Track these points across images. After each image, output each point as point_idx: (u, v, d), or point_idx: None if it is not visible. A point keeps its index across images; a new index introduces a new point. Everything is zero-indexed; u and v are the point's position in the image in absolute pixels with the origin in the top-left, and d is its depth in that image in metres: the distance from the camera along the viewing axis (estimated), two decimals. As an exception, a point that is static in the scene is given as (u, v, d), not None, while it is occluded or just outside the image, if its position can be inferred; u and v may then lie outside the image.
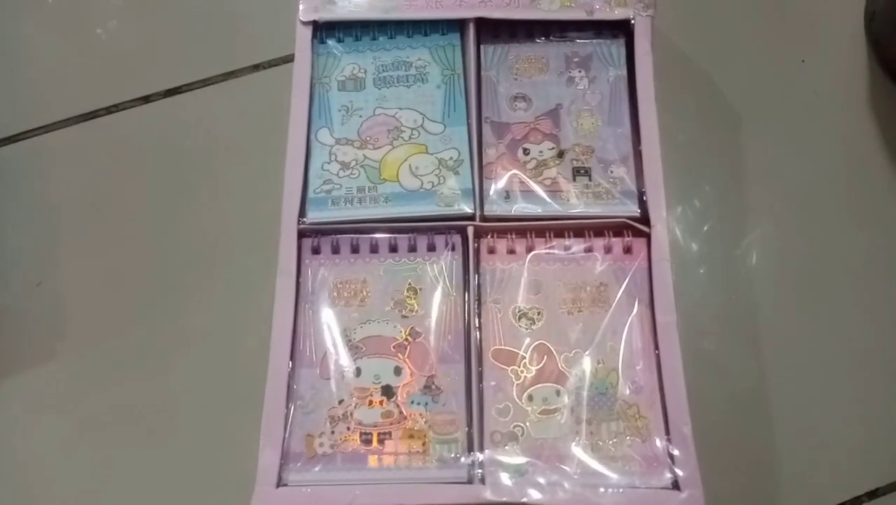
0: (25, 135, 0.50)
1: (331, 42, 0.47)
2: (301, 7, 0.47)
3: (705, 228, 0.47)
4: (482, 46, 0.47)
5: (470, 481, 0.38)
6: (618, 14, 0.46)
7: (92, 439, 0.44)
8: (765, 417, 0.43)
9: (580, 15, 0.46)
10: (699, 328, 0.44)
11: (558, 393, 0.40)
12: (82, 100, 0.51)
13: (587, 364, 0.40)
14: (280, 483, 0.37)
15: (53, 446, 0.44)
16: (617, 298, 0.41)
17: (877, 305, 0.46)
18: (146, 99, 0.51)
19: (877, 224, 0.48)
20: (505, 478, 0.38)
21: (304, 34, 0.46)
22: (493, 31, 0.47)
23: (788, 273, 0.46)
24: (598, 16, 0.46)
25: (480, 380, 0.40)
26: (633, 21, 0.46)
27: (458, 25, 0.47)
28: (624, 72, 0.46)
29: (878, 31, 0.52)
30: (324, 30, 0.47)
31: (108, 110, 0.51)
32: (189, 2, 0.54)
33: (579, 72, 0.47)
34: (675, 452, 0.38)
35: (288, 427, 0.38)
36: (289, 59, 0.51)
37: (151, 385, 0.44)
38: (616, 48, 0.47)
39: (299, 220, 0.42)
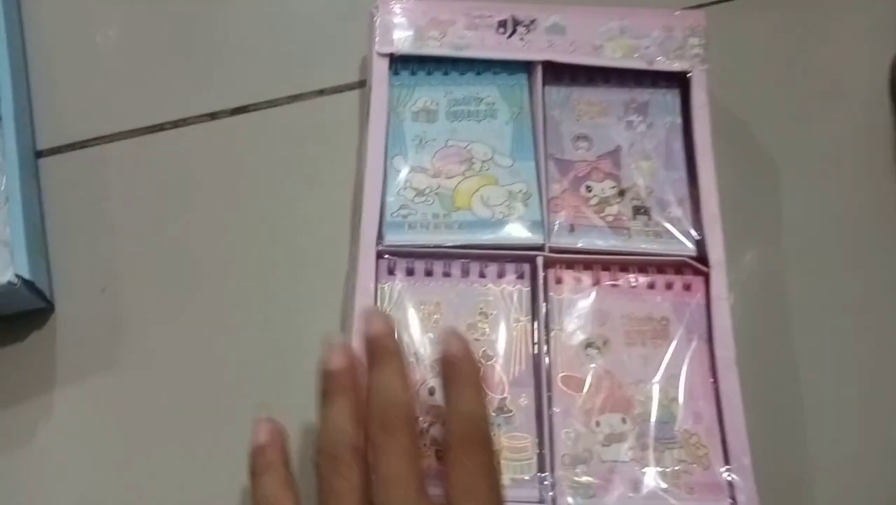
0: (92, 142, 0.51)
1: (404, 74, 0.49)
2: (377, 39, 0.49)
3: (751, 268, 0.50)
4: (546, 87, 0.50)
5: (541, 502, 0.39)
6: (676, 66, 0.49)
7: (149, 449, 0.44)
8: (822, 446, 0.45)
9: (641, 65, 0.49)
10: (752, 364, 0.46)
11: (624, 420, 0.41)
12: (149, 112, 0.52)
13: (651, 394, 0.42)
14: (357, 498, 0.38)
15: (112, 455, 0.43)
16: (678, 333, 0.43)
17: None
18: (213, 116, 0.52)
19: None
20: (575, 499, 0.39)
21: (381, 65, 0.48)
22: (557, 73, 0.50)
23: (830, 315, 0.49)
24: (657, 66, 0.49)
25: (550, 405, 0.41)
26: (690, 74, 0.49)
27: (526, 67, 0.50)
28: (679, 120, 0.49)
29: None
30: (398, 62, 0.49)
31: (175, 124, 0.52)
32: (258, 25, 0.55)
33: (637, 117, 0.49)
34: (736, 481, 0.40)
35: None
36: (352, 86, 0.54)
37: (215, 398, 0.45)
38: (672, 97, 0.50)
39: (377, 242, 0.44)
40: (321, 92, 0.54)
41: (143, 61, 0.54)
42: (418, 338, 0.42)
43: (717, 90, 0.54)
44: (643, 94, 0.50)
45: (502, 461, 0.40)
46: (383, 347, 0.34)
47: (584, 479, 0.40)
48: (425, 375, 0.41)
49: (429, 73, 0.49)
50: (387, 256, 0.44)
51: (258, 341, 0.46)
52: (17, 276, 0.42)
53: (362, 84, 0.53)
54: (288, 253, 0.49)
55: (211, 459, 0.43)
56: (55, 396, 0.44)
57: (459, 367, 0.34)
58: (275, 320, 0.47)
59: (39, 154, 0.50)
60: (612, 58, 0.49)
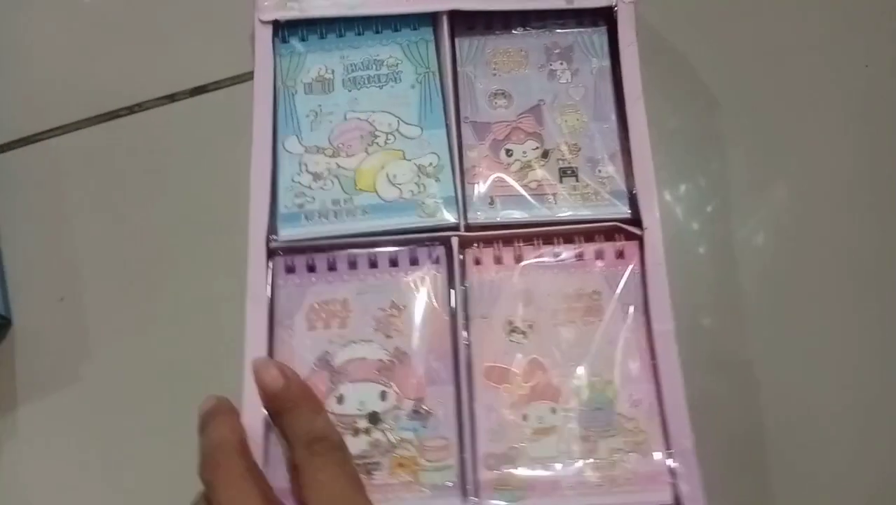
0: (42, 136, 0.46)
1: (293, 41, 0.44)
2: (259, 4, 0.43)
3: (694, 222, 0.45)
4: (457, 40, 0.44)
5: (466, 509, 0.36)
6: (600, 1, 0.43)
7: (117, 463, 0.41)
8: (770, 428, 0.41)
9: (559, 3, 0.43)
10: (696, 332, 0.42)
11: (554, 410, 0.38)
12: (103, 98, 0.47)
13: (583, 378, 0.38)
14: (264, 523, 0.35)
15: (80, 471, 0.41)
16: (611, 307, 0.39)
17: (880, 300, 0.44)
18: (171, 98, 0.47)
19: (874, 213, 0.46)
20: (502, 503, 0.36)
21: (264, 34, 0.43)
22: (468, 22, 0.44)
23: (784, 265, 0.44)
24: (578, 4, 0.43)
25: (472, 400, 0.38)
26: (615, 9, 0.43)
27: (431, 19, 0.44)
28: (608, 62, 0.44)
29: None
30: (285, 28, 0.44)
31: (131, 109, 0.47)
32: (208, 5, 0.49)
33: (561, 64, 0.44)
34: (677, 467, 0.37)
35: (269, 462, 0.36)
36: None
37: (184, 407, 0.38)
38: (598, 37, 0.44)
39: (270, 239, 0.39)
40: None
41: (95, 45, 0.48)
42: (324, 343, 0.38)
43: (657, 21, 0.48)
44: (567, 38, 0.45)
45: (420, 471, 0.36)
46: (207, 414, 0.35)
47: (512, 480, 0.36)
48: (335, 382, 0.38)
49: (321, 38, 0.44)
50: (282, 252, 0.39)
51: (229, 347, 0.40)
52: None
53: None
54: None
55: (181, 471, 0.39)
56: (19, 414, 0.41)
57: (281, 396, 0.35)
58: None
59: (-14, 153, 0.46)
60: (525, -2, 0.44)
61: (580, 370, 0.38)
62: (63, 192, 0.45)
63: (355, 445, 0.37)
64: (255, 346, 0.37)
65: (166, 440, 0.41)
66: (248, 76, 0.47)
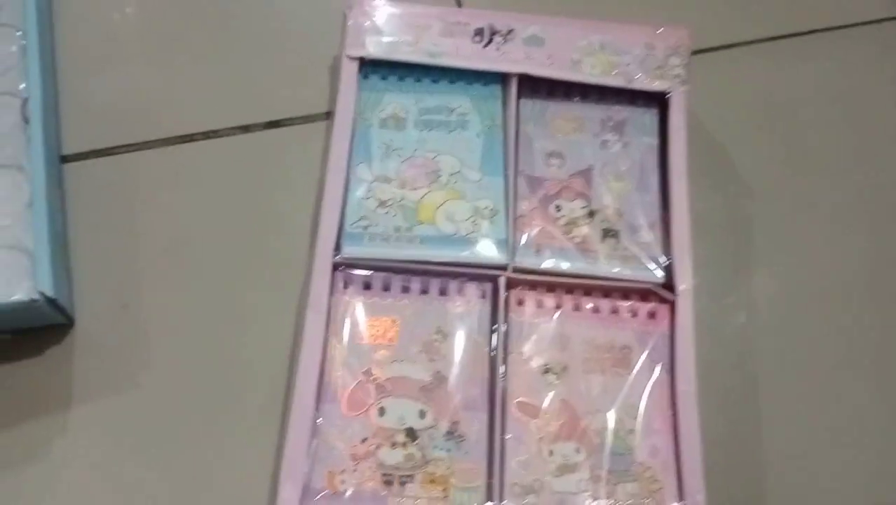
0: (117, 149, 0.49)
1: (374, 79, 0.48)
2: (348, 41, 0.47)
3: (718, 296, 0.49)
4: (521, 100, 0.48)
5: (487, 533, 0.38)
6: (656, 86, 0.48)
7: (164, 472, 0.41)
8: (775, 485, 0.44)
9: (620, 82, 0.48)
10: (711, 395, 0.45)
11: (578, 450, 0.40)
12: (181, 121, 0.49)
13: (607, 424, 0.41)
14: (297, 520, 0.37)
15: (127, 477, 0.41)
16: (639, 362, 0.42)
17: (889, 379, 0.47)
18: (245, 129, 0.50)
19: (888, 297, 0.49)
20: (522, 532, 0.38)
21: (350, 69, 0.47)
22: (534, 87, 0.48)
23: (795, 343, 0.48)
24: (636, 85, 0.48)
25: (503, 431, 0.40)
26: (669, 95, 0.48)
27: (501, 79, 0.48)
28: (656, 141, 0.48)
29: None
30: (369, 66, 0.47)
31: (206, 135, 0.49)
32: (301, 30, 0.53)
33: (613, 135, 0.48)
34: (688, 519, 0.39)
35: (310, 462, 0.38)
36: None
37: (237, 420, 0.42)
38: (650, 117, 0.49)
39: (333, 254, 0.42)
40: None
41: (179, 71, 0.51)
42: (371, 357, 0.41)
43: (702, 113, 0.53)
44: (621, 113, 0.49)
45: (449, 489, 0.38)
46: None
47: (533, 510, 0.38)
48: (379, 395, 0.40)
49: (400, 80, 0.48)
50: (343, 267, 0.42)
51: (282, 359, 0.43)
52: (41, 293, 0.39)
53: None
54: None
55: (232, 481, 0.41)
56: (71, 414, 0.42)
57: None
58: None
59: (64, 159, 0.48)
60: (590, 74, 0.48)
61: (606, 416, 0.41)
62: (134, 204, 0.47)
63: (392, 456, 0.39)
64: (310, 353, 0.39)
65: (218, 449, 0.41)
66: (319, 116, 0.50)
